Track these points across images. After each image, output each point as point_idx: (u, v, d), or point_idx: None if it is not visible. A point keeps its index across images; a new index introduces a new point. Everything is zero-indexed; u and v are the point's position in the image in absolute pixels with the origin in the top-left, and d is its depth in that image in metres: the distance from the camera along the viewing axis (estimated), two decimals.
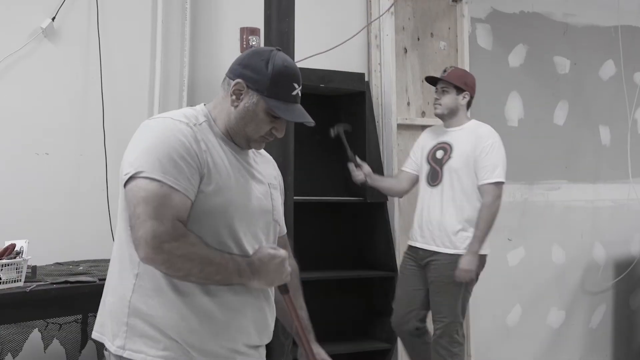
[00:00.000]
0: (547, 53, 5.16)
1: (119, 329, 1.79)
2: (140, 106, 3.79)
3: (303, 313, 2.05)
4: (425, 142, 3.96)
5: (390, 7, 4.33)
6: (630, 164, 5.42)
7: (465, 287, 3.72)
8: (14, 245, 2.76)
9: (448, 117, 3.86)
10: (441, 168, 3.79)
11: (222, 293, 1.79)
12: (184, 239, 1.69)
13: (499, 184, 3.73)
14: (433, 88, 3.93)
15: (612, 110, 5.45)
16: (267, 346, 1.99)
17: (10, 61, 3.47)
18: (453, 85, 3.82)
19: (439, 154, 3.84)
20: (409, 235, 3.93)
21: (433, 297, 3.78)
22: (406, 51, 4.44)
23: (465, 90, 3.84)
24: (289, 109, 1.85)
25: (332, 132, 3.93)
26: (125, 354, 1.77)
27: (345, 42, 4.18)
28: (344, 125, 3.95)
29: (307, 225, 3.88)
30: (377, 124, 4.30)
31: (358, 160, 3.92)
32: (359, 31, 4.31)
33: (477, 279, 3.77)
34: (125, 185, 1.74)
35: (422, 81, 4.40)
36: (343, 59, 4.17)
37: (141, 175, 1.71)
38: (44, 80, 3.57)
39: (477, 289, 4.60)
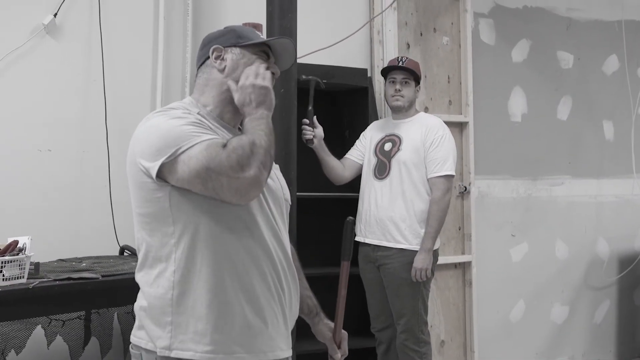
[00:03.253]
0: (550, 48, 5.15)
1: (162, 330, 1.77)
2: (143, 102, 3.79)
3: (310, 294, 2.12)
4: (372, 133, 3.89)
5: (393, 2, 4.32)
6: (634, 159, 5.41)
7: (423, 285, 3.68)
8: (16, 242, 2.76)
9: (405, 109, 3.82)
10: (389, 161, 3.74)
11: (254, 289, 1.80)
12: (234, 149, 1.69)
13: (449, 177, 3.69)
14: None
15: (615, 105, 5.44)
16: None
17: (12, 58, 3.47)
18: (413, 77, 3.79)
19: (387, 146, 3.78)
20: (356, 231, 3.82)
21: (392, 300, 3.73)
22: (409, 47, 4.43)
23: (419, 83, 3.82)
24: (265, 39, 1.94)
25: (304, 77, 3.72)
26: (173, 354, 1.76)
27: (347, 37, 4.17)
28: (318, 81, 3.77)
29: (309, 221, 3.87)
30: (379, 119, 4.29)
31: (315, 121, 3.78)
32: (362, 27, 4.30)
33: (433, 274, 3.73)
34: (162, 173, 1.72)
35: (425, 76, 4.39)
36: (345, 55, 4.16)
37: (179, 152, 1.70)
38: (46, 77, 3.57)
39: (480, 285, 4.62)
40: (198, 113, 1.84)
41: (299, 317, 2.04)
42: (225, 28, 1.97)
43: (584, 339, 5.32)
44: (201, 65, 1.94)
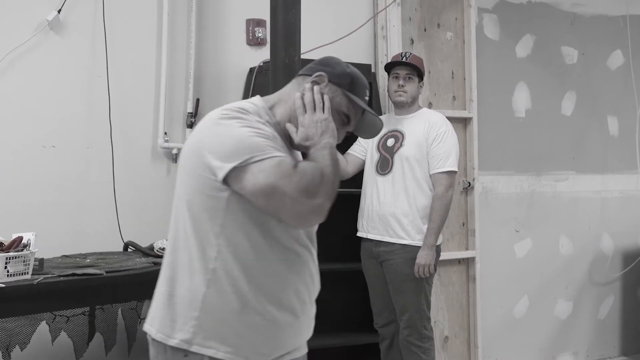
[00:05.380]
0: (554, 43, 5.13)
1: (185, 323, 1.77)
2: (147, 99, 3.79)
3: None
4: None
5: None
6: (639, 154, 5.40)
7: (425, 280, 3.68)
8: (21, 238, 2.77)
9: (408, 105, 3.82)
10: (392, 156, 3.73)
11: (287, 302, 1.84)
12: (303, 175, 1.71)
13: (451, 173, 3.69)
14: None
15: (620, 100, 5.42)
16: None
17: (17, 54, 3.47)
18: (416, 72, 3.78)
19: (390, 142, 3.77)
20: (358, 227, 3.85)
21: (395, 296, 3.72)
22: (413, 42, 4.42)
23: (422, 79, 3.82)
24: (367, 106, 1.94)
25: None
26: (193, 349, 1.77)
27: (351, 33, 4.17)
28: None
29: None
30: (382, 115, 4.28)
31: None
32: (366, 22, 4.30)
33: (435, 270, 3.73)
34: (228, 177, 1.72)
35: (429, 72, 4.39)
36: (349, 51, 4.15)
37: (250, 162, 1.70)
38: (50, 73, 3.57)
39: (484, 281, 4.62)
40: (267, 121, 1.84)
41: None
42: (348, 68, 1.95)
43: (588, 335, 5.32)
44: (301, 75, 1.95)
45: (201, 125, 1.83)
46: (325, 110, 1.86)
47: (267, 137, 1.76)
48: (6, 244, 2.76)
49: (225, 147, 1.73)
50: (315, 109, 1.85)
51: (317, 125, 1.83)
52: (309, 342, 1.95)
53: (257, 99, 1.92)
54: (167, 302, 1.81)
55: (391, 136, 3.79)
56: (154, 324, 1.84)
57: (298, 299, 1.85)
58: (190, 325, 1.77)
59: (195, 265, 1.77)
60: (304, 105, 1.86)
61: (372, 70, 4.27)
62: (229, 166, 1.71)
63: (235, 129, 1.75)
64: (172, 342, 1.78)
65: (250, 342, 1.79)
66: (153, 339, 1.84)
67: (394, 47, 4.29)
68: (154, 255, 3.30)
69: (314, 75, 1.90)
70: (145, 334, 1.90)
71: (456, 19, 4.58)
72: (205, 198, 1.76)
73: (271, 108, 1.89)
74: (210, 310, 1.76)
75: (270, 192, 1.69)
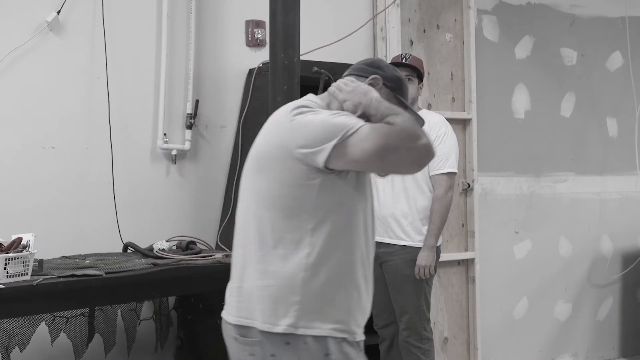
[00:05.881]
0: (553, 45, 5.14)
1: (288, 309, 1.87)
2: (146, 100, 3.79)
3: None
4: None
5: None
6: (638, 155, 5.40)
7: (425, 281, 3.67)
8: (20, 239, 2.77)
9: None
10: None
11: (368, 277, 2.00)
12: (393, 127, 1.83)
13: (451, 175, 3.68)
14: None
15: (619, 101, 5.43)
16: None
17: (16, 55, 3.47)
18: (416, 74, 3.79)
19: None
20: None
21: (395, 297, 3.71)
22: (412, 43, 4.42)
23: (422, 80, 3.82)
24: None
25: (315, 69, 3.67)
26: (300, 331, 1.87)
27: (350, 34, 4.17)
28: (329, 77, 3.67)
29: None
30: None
31: None
32: (365, 23, 4.30)
33: (435, 271, 3.73)
34: (331, 157, 1.83)
35: (428, 73, 4.39)
36: (349, 52, 4.15)
37: (347, 136, 1.82)
38: (50, 74, 3.57)
39: (484, 282, 4.62)
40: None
41: None
42: (396, 71, 2.10)
43: (587, 336, 5.32)
44: (352, 75, 2.08)
45: (273, 128, 1.97)
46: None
47: (345, 114, 1.90)
48: (6, 245, 2.76)
49: (315, 134, 1.85)
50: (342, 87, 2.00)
51: (355, 92, 1.96)
52: None
53: (311, 96, 2.06)
54: (264, 294, 1.90)
55: None
56: (254, 317, 1.92)
57: (369, 269, 2.02)
58: (293, 310, 1.87)
59: (288, 254, 1.88)
60: (338, 90, 2.01)
61: None
62: (329, 146, 1.82)
63: (315, 116, 1.89)
64: (278, 329, 1.87)
65: (352, 315, 1.93)
66: (260, 331, 1.90)
67: (393, 49, 4.30)
68: (153, 256, 3.30)
69: (370, 78, 2.03)
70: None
71: (455, 20, 4.58)
72: (296, 189, 1.88)
73: (328, 106, 2.02)
74: (311, 292, 1.87)
75: (383, 153, 1.81)
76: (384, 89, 2.03)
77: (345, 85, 2.01)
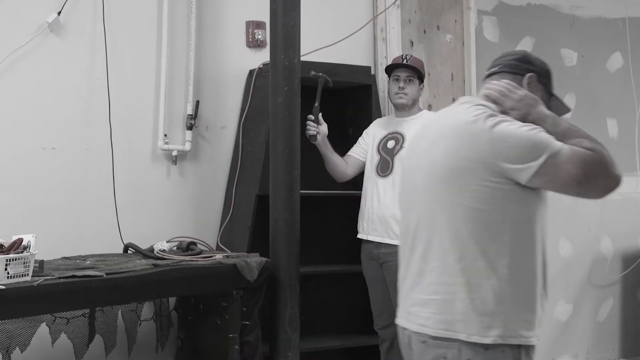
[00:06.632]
0: (554, 45, 5.14)
1: (494, 320, 1.92)
2: (147, 100, 3.79)
3: None
4: (375, 131, 3.88)
5: (396, 0, 4.32)
6: (638, 156, 5.40)
7: None
8: (21, 240, 2.77)
9: (409, 107, 3.82)
10: (392, 158, 3.73)
11: None
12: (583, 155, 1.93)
13: None
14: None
15: (619, 102, 5.43)
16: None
17: (16, 56, 3.47)
18: (417, 75, 3.78)
19: (390, 144, 3.78)
20: (358, 228, 3.86)
21: (395, 297, 3.71)
22: (412, 44, 4.43)
23: (423, 81, 3.82)
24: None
25: (313, 73, 3.67)
26: (509, 341, 1.92)
27: (351, 35, 4.17)
28: (327, 79, 3.71)
29: (313, 219, 3.88)
30: (382, 117, 4.29)
31: (320, 118, 3.75)
32: (365, 24, 4.30)
33: None
34: (536, 174, 1.90)
35: (428, 74, 4.39)
36: (349, 53, 4.16)
37: (551, 155, 1.89)
38: (50, 75, 3.57)
39: None
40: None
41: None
42: (545, 63, 2.17)
43: (587, 337, 5.32)
44: (504, 72, 2.12)
45: (466, 140, 1.96)
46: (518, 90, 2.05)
47: (542, 130, 1.94)
48: (6, 245, 2.76)
49: (520, 149, 1.89)
50: (509, 92, 2.04)
51: (523, 102, 2.02)
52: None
53: (478, 99, 2.08)
54: (469, 307, 1.93)
55: (392, 138, 3.79)
56: (457, 329, 1.95)
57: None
58: (499, 320, 1.92)
59: (490, 267, 1.93)
60: (501, 96, 2.04)
61: (372, 72, 4.27)
62: (535, 164, 1.88)
63: (517, 130, 1.92)
64: (487, 340, 1.92)
65: (539, 321, 1.99)
66: (468, 342, 1.94)
67: (393, 50, 4.30)
68: (153, 257, 3.30)
69: (527, 77, 2.09)
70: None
71: (455, 21, 4.59)
72: (496, 202, 1.92)
73: (500, 112, 2.06)
74: (513, 301, 1.93)
75: (584, 179, 1.89)
76: (539, 85, 2.09)
77: (509, 92, 2.03)
